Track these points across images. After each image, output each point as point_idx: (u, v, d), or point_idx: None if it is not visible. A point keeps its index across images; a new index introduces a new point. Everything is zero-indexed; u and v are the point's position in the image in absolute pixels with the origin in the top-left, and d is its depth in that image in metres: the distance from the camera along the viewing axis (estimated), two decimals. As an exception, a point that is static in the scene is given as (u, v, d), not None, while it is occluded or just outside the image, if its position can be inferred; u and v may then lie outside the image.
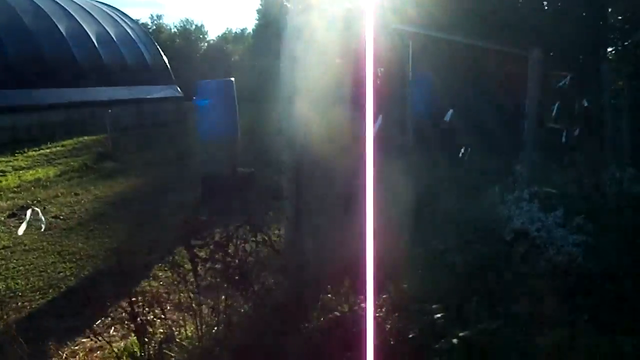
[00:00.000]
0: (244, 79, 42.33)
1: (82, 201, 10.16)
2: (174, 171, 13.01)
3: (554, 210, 5.56)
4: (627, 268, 4.83)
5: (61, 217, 9.02)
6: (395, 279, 4.85)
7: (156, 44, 25.01)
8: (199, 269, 3.50)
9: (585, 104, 9.16)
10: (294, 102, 4.66)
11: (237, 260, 3.50)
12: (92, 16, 21.24)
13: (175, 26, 54.57)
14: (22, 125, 16.63)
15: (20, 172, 13.15)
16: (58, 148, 16.20)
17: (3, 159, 14.53)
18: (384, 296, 4.14)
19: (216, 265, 3.52)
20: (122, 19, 23.26)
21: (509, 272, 4.89)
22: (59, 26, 19.05)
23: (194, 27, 53.64)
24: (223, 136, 9.40)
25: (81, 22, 20.16)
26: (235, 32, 56.05)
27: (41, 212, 9.33)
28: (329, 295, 3.96)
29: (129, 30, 22.70)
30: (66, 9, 20.02)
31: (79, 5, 21.17)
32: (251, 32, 50.93)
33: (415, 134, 15.07)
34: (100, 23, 21.23)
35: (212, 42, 54.08)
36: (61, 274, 6.40)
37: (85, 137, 17.39)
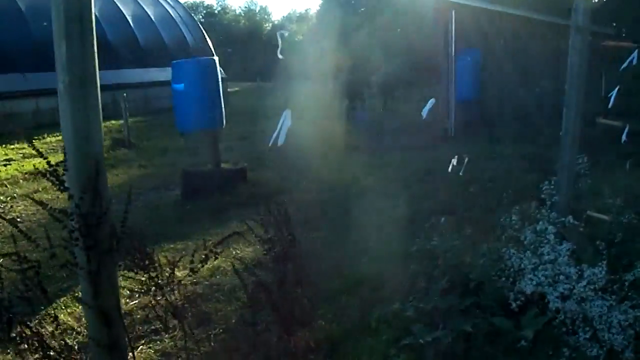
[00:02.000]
0: (307, 57, 40.64)
1: (58, 197, 8.71)
2: (184, 161, 11.41)
3: (594, 260, 3.43)
4: None
5: (19, 220, 7.58)
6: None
7: (200, 24, 23.50)
8: None
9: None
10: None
11: None
12: (131, -5, 19.95)
13: (240, 7, 53.41)
14: (46, 110, 15.52)
15: (26, 160, 11.95)
16: (80, 133, 15.02)
17: (18, 145, 13.46)
18: None
19: None
20: (164, -2, 21.89)
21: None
22: (91, 6, 17.79)
23: (258, 8, 52.28)
24: (203, 126, 7.62)
25: (117, 2, 18.85)
26: (300, 13, 54.25)
27: (4, 212, 8.00)
28: None
29: (170, 11, 21.26)
30: (101, -12, 18.79)
31: (117, -16, 19.91)
32: (315, 12, 48.83)
33: (460, 120, 12.77)
34: (138, 3, 19.88)
35: (276, 22, 52.57)
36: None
37: (113, 121, 16.13)
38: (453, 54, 12.14)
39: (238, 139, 14.45)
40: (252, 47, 45.46)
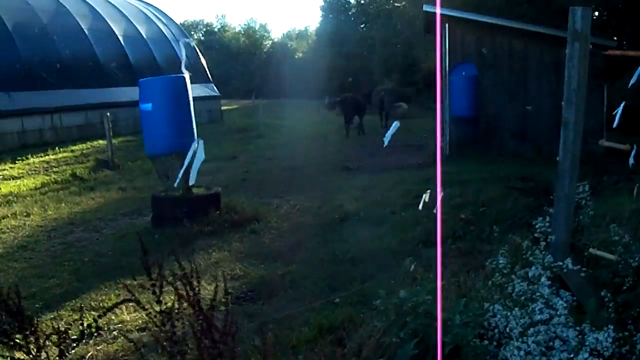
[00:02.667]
0: (308, 75, 40.27)
1: (24, 225, 8.10)
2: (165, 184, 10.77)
3: (598, 316, 2.75)
4: None
5: None
6: None
7: (193, 43, 23.04)
8: None
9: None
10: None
11: None
12: (122, 14, 19.45)
13: (240, 25, 53.16)
14: (33, 129, 14.97)
15: (4, 182, 11.35)
16: (65, 154, 14.41)
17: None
18: None
19: None
20: (157, 16, 21.39)
21: None
22: (81, 24, 17.34)
23: (258, 25, 51.99)
24: (172, 149, 6.99)
25: (108, 20, 18.39)
26: (299, 30, 53.98)
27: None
28: None
29: (162, 29, 20.79)
30: (92, 7, 18.32)
31: (108, 2, 19.43)
32: (314, 30, 48.47)
33: (455, 138, 12.10)
34: (130, 21, 19.41)
35: (276, 40, 52.26)
36: None
37: (100, 141, 15.54)
38: (447, 68, 11.52)
39: (227, 159, 13.83)
40: (252, 65, 45.08)
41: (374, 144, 15.80)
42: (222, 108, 32.34)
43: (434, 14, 11.52)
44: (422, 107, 26.56)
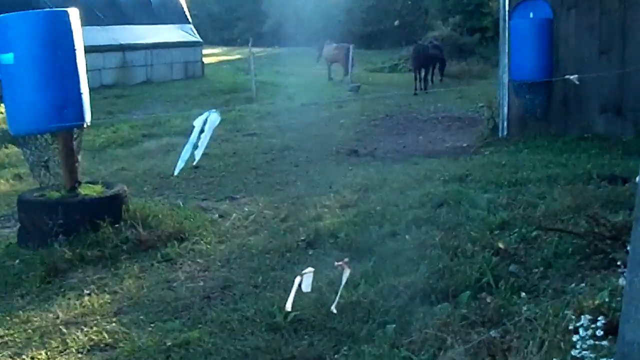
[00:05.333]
0: (339, 16, 38.77)
1: None
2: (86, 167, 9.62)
3: None
4: None
5: None
6: None
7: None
8: None
9: None
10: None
11: None
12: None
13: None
14: None
15: None
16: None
17: None
18: None
19: None
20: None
21: None
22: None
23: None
24: (48, 125, 5.85)
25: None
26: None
27: None
28: None
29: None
30: None
31: None
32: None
33: (516, 111, 10.64)
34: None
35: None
36: None
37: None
38: (507, 7, 10.09)
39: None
40: (264, 2, 44.09)
41: (406, 116, 14.44)
42: (220, 58, 31.42)
43: None
44: (488, 64, 24.89)
